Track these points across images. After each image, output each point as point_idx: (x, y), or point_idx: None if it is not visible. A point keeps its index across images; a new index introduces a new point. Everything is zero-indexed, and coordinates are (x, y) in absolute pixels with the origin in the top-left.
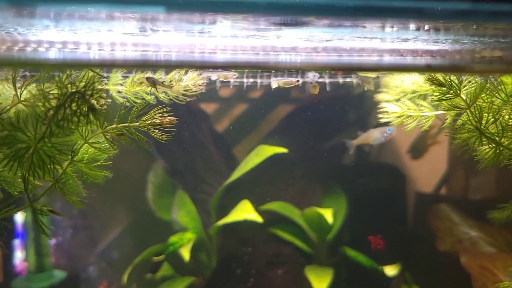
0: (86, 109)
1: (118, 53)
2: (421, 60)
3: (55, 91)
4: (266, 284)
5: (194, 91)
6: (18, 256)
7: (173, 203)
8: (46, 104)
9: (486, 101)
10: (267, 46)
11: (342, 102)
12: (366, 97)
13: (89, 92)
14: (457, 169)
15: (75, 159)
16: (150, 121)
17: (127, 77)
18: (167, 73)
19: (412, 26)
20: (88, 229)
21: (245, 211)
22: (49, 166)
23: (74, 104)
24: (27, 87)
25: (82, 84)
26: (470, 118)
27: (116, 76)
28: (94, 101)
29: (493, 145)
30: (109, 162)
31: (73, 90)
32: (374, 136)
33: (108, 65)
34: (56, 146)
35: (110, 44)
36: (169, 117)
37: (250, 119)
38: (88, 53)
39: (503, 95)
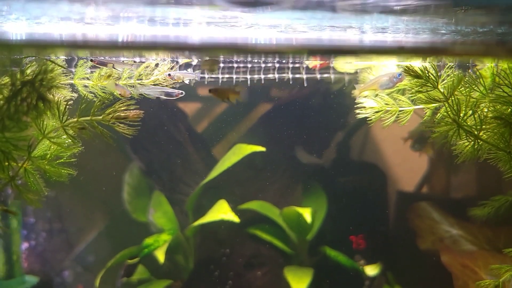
0: (36, 99)
1: (90, 33)
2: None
3: (9, 83)
4: (245, 286)
5: (164, 86)
6: None
7: (149, 204)
8: None
9: (464, 94)
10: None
11: (320, 99)
12: (345, 93)
13: (38, 81)
14: (439, 168)
15: (35, 155)
16: (114, 114)
17: (93, 71)
18: (137, 66)
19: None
20: (62, 233)
21: (221, 211)
22: (4, 163)
23: (24, 94)
24: None
25: (35, 74)
26: (448, 111)
27: (82, 69)
28: (46, 91)
29: (471, 138)
30: (74, 160)
31: (25, 80)
32: (382, 81)
33: (79, 46)
34: (11, 141)
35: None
36: (134, 110)
37: (229, 118)
38: (56, 34)
39: (481, 88)
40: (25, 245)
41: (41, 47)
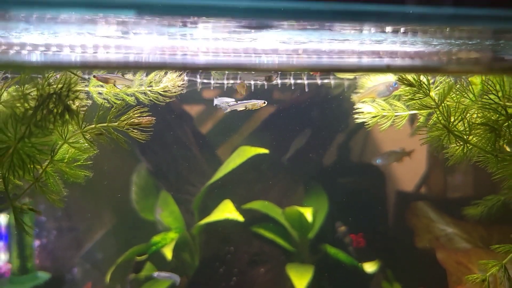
0: (62, 109)
1: (100, 55)
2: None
3: (34, 93)
4: (249, 283)
5: (173, 92)
6: (2, 258)
7: (156, 203)
8: (25, 105)
9: (455, 100)
10: (248, 48)
11: (321, 103)
12: (344, 98)
13: (65, 93)
14: (436, 169)
15: (55, 159)
16: (128, 121)
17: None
18: (147, 74)
19: (387, 28)
20: (72, 231)
21: (226, 211)
22: (29, 165)
23: (51, 104)
24: (8, 89)
25: (60, 86)
26: (439, 117)
27: None
28: (70, 101)
29: (461, 142)
30: (89, 162)
31: (51, 92)
32: (379, 90)
33: (91, 67)
34: (36, 146)
35: (92, 47)
36: (147, 117)
37: (233, 120)
38: (70, 55)
39: (471, 95)
40: (37, 242)
41: (58, 68)
